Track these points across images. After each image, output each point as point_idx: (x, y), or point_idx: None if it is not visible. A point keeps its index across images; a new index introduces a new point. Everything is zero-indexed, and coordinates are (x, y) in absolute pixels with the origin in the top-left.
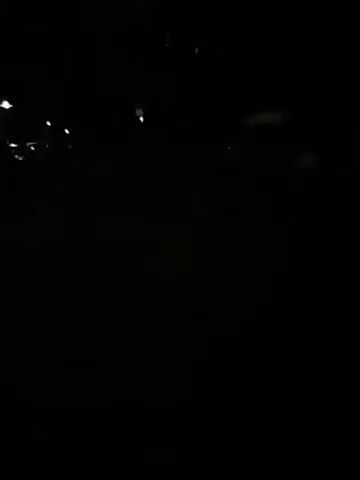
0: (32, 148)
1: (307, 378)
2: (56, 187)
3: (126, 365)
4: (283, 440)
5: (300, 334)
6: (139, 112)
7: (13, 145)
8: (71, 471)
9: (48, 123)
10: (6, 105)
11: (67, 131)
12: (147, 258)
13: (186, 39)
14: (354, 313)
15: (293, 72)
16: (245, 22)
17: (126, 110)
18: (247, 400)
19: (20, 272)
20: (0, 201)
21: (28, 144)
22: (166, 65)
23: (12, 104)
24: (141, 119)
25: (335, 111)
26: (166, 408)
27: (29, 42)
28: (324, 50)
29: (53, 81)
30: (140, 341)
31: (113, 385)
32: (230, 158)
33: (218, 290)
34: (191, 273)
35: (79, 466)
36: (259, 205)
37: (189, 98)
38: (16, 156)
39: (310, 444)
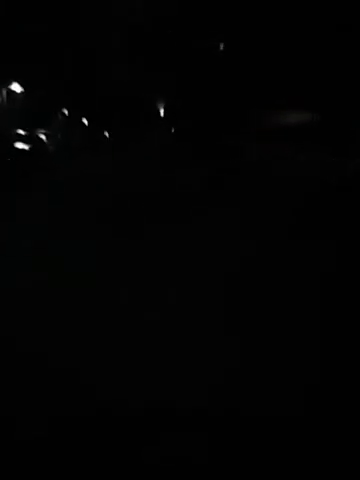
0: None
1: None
2: (55, 187)
3: (126, 365)
4: (283, 440)
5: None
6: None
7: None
8: (71, 471)
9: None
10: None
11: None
12: (147, 258)
13: (186, 39)
14: None
15: (293, 72)
16: (245, 22)
17: (126, 110)
18: (247, 400)
19: (19, 272)
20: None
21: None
22: (166, 65)
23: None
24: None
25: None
26: (166, 408)
27: (29, 42)
28: (324, 50)
29: (53, 81)
30: (140, 341)
31: (113, 385)
32: (230, 158)
33: (219, 289)
34: (191, 273)
35: (79, 466)
36: (259, 205)
37: (189, 98)
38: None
39: (311, 443)
